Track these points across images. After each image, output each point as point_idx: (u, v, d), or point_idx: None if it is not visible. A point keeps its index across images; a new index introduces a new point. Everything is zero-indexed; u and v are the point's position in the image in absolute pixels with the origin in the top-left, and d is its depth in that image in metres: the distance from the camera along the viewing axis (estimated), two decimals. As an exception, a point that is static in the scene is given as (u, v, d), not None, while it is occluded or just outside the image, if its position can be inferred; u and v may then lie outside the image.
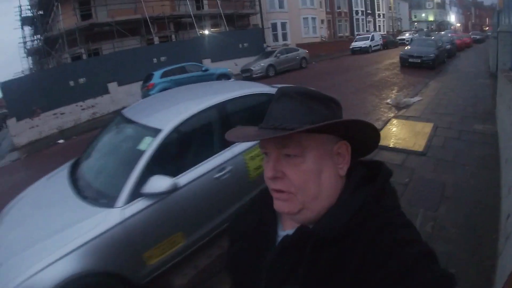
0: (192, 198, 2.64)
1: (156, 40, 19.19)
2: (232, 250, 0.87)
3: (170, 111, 2.99)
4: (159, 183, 2.36)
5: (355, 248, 0.63)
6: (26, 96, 13.04)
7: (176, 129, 2.70)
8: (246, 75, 14.84)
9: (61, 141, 11.68)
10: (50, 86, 13.58)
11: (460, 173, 3.87)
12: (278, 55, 16.23)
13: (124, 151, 2.93)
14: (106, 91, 14.98)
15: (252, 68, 15.04)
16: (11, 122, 13.18)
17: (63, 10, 17.75)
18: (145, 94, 12.27)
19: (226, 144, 2.92)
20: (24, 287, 1.88)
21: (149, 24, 18.32)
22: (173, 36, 20.15)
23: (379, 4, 45.64)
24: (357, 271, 0.61)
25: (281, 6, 26.72)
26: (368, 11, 42.69)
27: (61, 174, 3.06)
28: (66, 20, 17.46)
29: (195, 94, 3.52)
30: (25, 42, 23.31)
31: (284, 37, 26.69)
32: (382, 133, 5.34)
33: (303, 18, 28.43)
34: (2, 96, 13.45)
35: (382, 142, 4.85)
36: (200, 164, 2.74)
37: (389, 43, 28.96)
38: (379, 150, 4.71)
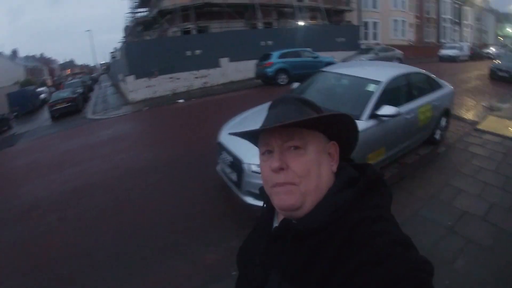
0: (393, 127, 4.22)
1: (260, 25, 21.12)
2: (242, 244, 0.98)
3: (380, 71, 4.79)
4: (389, 109, 3.93)
5: (333, 240, 0.68)
6: (146, 59, 15.57)
7: (388, 82, 4.32)
8: (346, 67, 16.33)
9: (181, 100, 14.00)
10: (168, 53, 16.01)
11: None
12: (377, 52, 17.52)
13: (355, 91, 4.51)
14: (217, 64, 17.25)
15: (354, 61, 16.45)
16: (130, 79, 15.85)
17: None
18: (260, 70, 14.38)
19: (411, 98, 4.62)
20: None
21: (255, 9, 20.24)
22: (274, 23, 21.93)
23: (466, 14, 44.76)
24: (333, 261, 0.66)
25: (374, 5, 27.86)
26: (456, 20, 42.16)
27: None
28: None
29: (385, 65, 5.52)
30: (134, 13, 26.28)
31: (374, 36, 27.85)
32: (483, 123, 6.67)
33: (394, 20, 29.27)
34: (126, 56, 15.86)
35: (484, 128, 6.27)
36: (399, 106, 4.27)
37: (475, 55, 28.84)
38: (483, 134, 6.01)
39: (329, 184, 0.78)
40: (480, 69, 18.24)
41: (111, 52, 47.08)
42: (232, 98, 12.68)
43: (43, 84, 39.50)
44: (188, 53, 16.53)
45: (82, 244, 3.73)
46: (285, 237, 0.75)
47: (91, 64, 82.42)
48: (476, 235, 2.88)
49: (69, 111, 17.20)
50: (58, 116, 16.96)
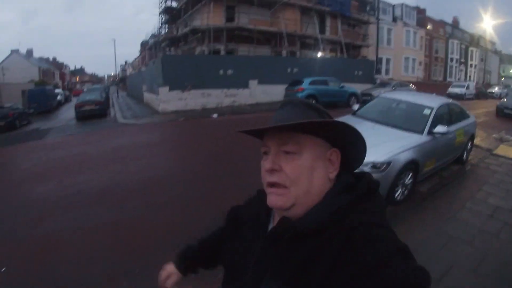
0: (441, 143, 5.43)
1: (284, 53, 23.08)
2: (227, 245, 1.01)
3: (429, 100, 6.36)
4: (442, 128, 5.35)
5: (330, 244, 0.69)
6: (180, 72, 17.06)
7: (437, 108, 5.79)
8: (366, 98, 17.95)
9: (215, 115, 15.35)
10: (202, 70, 17.58)
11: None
12: (394, 87, 19.32)
13: (413, 113, 5.86)
14: (246, 85, 18.95)
15: (372, 93, 18.18)
16: (164, 90, 17.21)
17: (211, 9, 21.98)
18: (289, 95, 16.07)
19: (451, 122, 6.03)
20: (394, 157, 4.49)
21: (282, 37, 22.19)
22: (297, 53, 23.98)
23: (472, 55, 47.52)
24: (330, 265, 0.67)
25: (388, 43, 30.25)
26: (462, 60, 44.83)
27: (354, 119, 6.11)
28: (213, 18, 21.63)
29: (430, 96, 7.28)
30: (160, 28, 28.21)
31: (387, 72, 30.12)
32: (497, 150, 8.30)
33: (405, 57, 31.74)
34: (162, 67, 17.18)
35: (498, 153, 7.95)
36: (445, 128, 5.69)
37: (480, 94, 30.88)
38: (498, 158, 7.63)
39: (323, 190, 0.81)
40: (486, 107, 20.05)
41: (122, 65, 49.04)
42: (263, 118, 13.74)
43: (56, 86, 41.01)
44: (221, 71, 18.19)
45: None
46: (282, 237, 0.77)
47: (100, 74, 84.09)
48: (508, 220, 4.41)
49: (96, 113, 18.26)
50: (84, 117, 17.97)
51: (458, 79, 40.25)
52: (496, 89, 35.19)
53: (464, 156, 6.89)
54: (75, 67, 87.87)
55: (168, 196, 5.46)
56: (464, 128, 6.44)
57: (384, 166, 4.42)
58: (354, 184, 0.81)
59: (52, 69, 56.42)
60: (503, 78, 61.19)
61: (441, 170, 6.05)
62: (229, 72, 18.33)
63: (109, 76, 72.65)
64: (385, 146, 4.68)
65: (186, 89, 17.42)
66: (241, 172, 5.97)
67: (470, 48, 47.11)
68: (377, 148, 4.55)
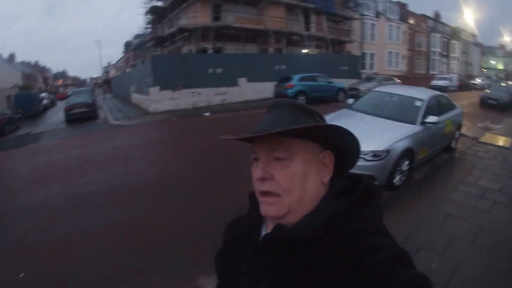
0: (432, 133, 5.82)
1: (271, 50, 23.42)
2: (220, 250, 0.98)
3: (420, 92, 6.77)
4: (433, 118, 5.72)
5: (328, 252, 0.68)
6: (170, 72, 17.20)
7: (428, 100, 6.22)
8: (353, 93, 18.45)
9: (207, 113, 15.57)
10: (191, 69, 17.78)
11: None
12: (380, 81, 19.87)
13: (406, 105, 6.27)
14: (236, 83, 19.20)
15: (359, 88, 18.71)
16: (154, 90, 17.32)
17: (198, 8, 22.19)
18: (279, 91, 16.37)
19: (440, 113, 6.37)
20: (392, 145, 4.85)
21: (269, 35, 22.55)
22: (284, 50, 24.35)
23: (454, 48, 48.91)
24: (329, 273, 0.66)
25: (372, 38, 30.96)
26: (444, 53, 46.08)
27: (350, 113, 6.60)
28: (200, 17, 21.78)
29: (420, 89, 7.62)
30: (147, 28, 28.28)
31: (371, 66, 30.80)
32: (482, 138, 8.85)
33: (388, 51, 32.64)
34: (152, 67, 17.32)
35: (484, 141, 8.53)
36: (436, 118, 6.06)
37: (463, 85, 31.88)
38: (484, 145, 8.17)
39: (317, 195, 0.79)
40: (470, 98, 20.81)
41: (104, 67, 48.81)
42: (255, 114, 13.86)
43: (41, 91, 40.56)
44: (210, 70, 18.43)
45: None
46: (276, 245, 0.75)
47: (82, 76, 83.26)
48: (497, 199, 4.87)
49: (86, 116, 18.18)
50: (74, 120, 17.84)
51: (441, 71, 41.23)
52: (478, 81, 36.41)
53: (453, 145, 7.35)
54: (57, 70, 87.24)
55: (178, 192, 5.57)
56: (452, 118, 6.87)
57: (384, 154, 4.78)
58: (351, 188, 0.81)
59: (35, 73, 55.81)
60: (485, 70, 63.01)
61: (433, 158, 6.45)
62: (218, 70, 18.60)
63: (92, 78, 72.01)
64: (383, 136, 5.07)
65: (177, 88, 17.55)
66: (243, 166, 6.17)
67: (452, 41, 48.38)
68: (376, 138, 4.97)
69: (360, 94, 18.30)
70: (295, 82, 15.93)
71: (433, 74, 37.35)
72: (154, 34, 28.01)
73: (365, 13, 30.07)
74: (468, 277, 2.96)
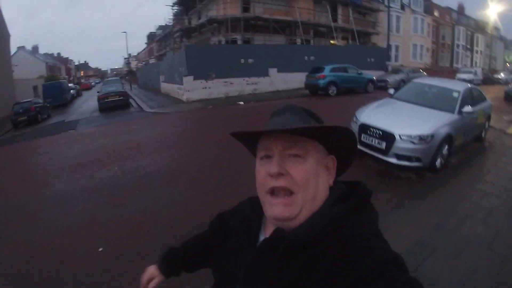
0: (467, 122, 6.28)
1: (298, 41, 24.15)
2: (217, 252, 0.99)
3: (456, 84, 7.38)
4: (469, 108, 6.21)
5: (325, 255, 0.70)
6: (204, 62, 17.96)
7: (464, 91, 6.72)
8: (381, 84, 18.99)
9: (241, 102, 16.23)
10: (224, 59, 18.53)
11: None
12: (408, 73, 20.40)
13: (444, 96, 6.71)
14: (266, 74, 19.98)
15: (387, 79, 19.26)
16: (188, 79, 18.09)
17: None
18: (311, 81, 17.05)
19: (474, 104, 6.91)
20: (436, 131, 5.42)
21: (297, 26, 23.22)
22: (311, 41, 25.04)
23: (478, 41, 48.64)
24: (325, 276, 0.67)
25: (397, 30, 31.21)
26: (468, 46, 45.92)
27: (393, 101, 7.25)
28: (229, 8, 22.62)
29: (455, 81, 8.42)
30: (174, 19, 29.12)
31: (396, 58, 31.08)
32: (509, 130, 9.42)
33: (413, 44, 32.80)
34: (186, 57, 17.99)
35: (511, 132, 9.04)
36: (471, 108, 6.28)
37: (487, 79, 31.82)
38: (511, 136, 8.71)
39: (324, 197, 0.82)
40: (494, 92, 20.95)
41: (126, 58, 49.88)
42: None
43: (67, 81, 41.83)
44: (242, 61, 19.21)
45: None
46: (275, 250, 0.76)
47: (103, 67, 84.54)
48: None
49: (119, 105, 18.85)
50: (107, 108, 18.51)
51: (464, 65, 41.31)
52: (502, 75, 36.22)
53: (483, 134, 7.91)
54: (79, 61, 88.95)
55: (238, 172, 5.53)
56: (484, 110, 7.44)
57: (429, 139, 5.41)
58: (348, 194, 0.83)
59: (58, 64, 57.28)
60: (508, 64, 62.14)
61: (466, 146, 7.04)
62: (250, 61, 19.33)
63: (112, 70, 73.56)
64: (427, 122, 5.70)
65: (209, 78, 18.27)
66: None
67: (476, 35, 48.06)
68: (420, 124, 5.65)
69: (388, 86, 18.94)
70: (327, 72, 16.48)
71: (456, 67, 37.48)
72: (182, 25, 28.83)
73: (391, 5, 30.36)
74: (507, 240, 3.60)
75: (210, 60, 18.12)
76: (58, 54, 65.98)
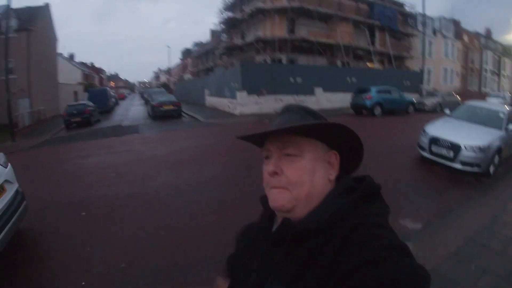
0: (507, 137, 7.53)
1: (338, 63, 26.37)
2: (231, 254, 1.06)
3: (500, 107, 9.21)
4: None
5: (331, 243, 0.72)
6: (256, 79, 19.80)
7: (508, 112, 7.88)
8: (420, 107, 20.88)
9: (295, 118, 17.97)
10: (274, 77, 20.49)
11: None
12: (443, 96, 22.36)
13: (493, 116, 7.95)
14: (312, 92, 22.03)
15: (425, 102, 21.22)
16: (242, 94, 19.86)
17: (276, 21, 25.34)
18: (357, 102, 18.91)
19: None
20: (491, 143, 6.87)
21: (338, 48, 25.53)
22: (351, 63, 27.23)
23: (505, 65, 50.57)
24: (329, 264, 0.70)
25: (429, 54, 33.39)
26: (495, 71, 47.82)
27: (452, 119, 8.79)
28: (276, 30, 24.96)
29: (498, 105, 10.24)
30: (220, 37, 31.57)
31: (428, 82, 32.92)
32: None
33: (444, 68, 34.84)
34: (241, 74, 19.77)
35: None
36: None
37: (515, 103, 33.37)
38: None
39: (324, 191, 0.84)
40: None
41: (155, 72, 52.46)
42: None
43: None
44: (291, 79, 21.21)
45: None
46: (284, 239, 0.80)
47: (130, 80, 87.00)
48: None
49: (172, 114, 20.14)
50: (161, 116, 19.66)
51: (492, 89, 43.12)
52: (528, 99, 37.59)
53: None
54: (109, 73, 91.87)
55: None
56: None
57: (486, 149, 6.73)
58: (355, 187, 0.85)
59: (92, 73, 60.27)
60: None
61: (509, 158, 8.05)
62: (299, 80, 21.32)
63: (139, 82, 76.59)
64: (483, 136, 7.26)
65: (260, 94, 20.10)
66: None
67: (503, 59, 49.73)
68: (478, 137, 7.22)
69: (426, 108, 20.86)
70: (373, 94, 18.31)
71: (484, 91, 39.18)
72: (223, 43, 31.20)
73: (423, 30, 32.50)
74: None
75: (262, 77, 19.98)
76: (92, 63, 69.13)
